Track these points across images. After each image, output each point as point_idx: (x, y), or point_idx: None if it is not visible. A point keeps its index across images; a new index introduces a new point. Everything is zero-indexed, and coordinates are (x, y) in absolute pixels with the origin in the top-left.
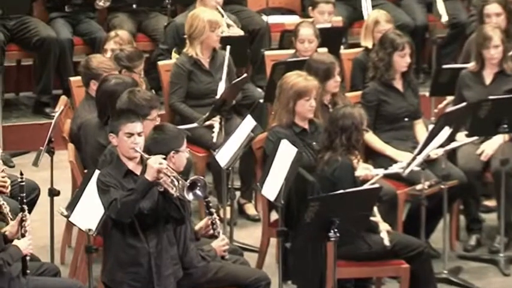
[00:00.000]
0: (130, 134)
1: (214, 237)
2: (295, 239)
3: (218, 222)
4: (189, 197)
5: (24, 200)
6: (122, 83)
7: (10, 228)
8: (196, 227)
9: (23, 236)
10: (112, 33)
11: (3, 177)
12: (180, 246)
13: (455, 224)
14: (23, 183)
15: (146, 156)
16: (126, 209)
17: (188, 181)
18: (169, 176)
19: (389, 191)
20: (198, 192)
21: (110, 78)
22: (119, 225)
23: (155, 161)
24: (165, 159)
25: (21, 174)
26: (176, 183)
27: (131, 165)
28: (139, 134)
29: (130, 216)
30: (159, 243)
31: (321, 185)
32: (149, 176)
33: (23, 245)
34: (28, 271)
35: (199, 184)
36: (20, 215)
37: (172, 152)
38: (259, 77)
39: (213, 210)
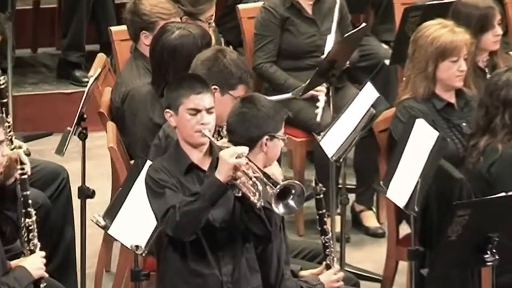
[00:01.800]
0: (196, 111)
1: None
2: (436, 263)
3: (332, 245)
4: (279, 209)
5: (29, 201)
6: (189, 36)
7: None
8: (304, 272)
9: (31, 252)
10: None
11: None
12: (271, 271)
13: None
14: (25, 176)
15: (218, 143)
16: (188, 222)
17: (278, 187)
18: (250, 178)
19: None
20: (292, 203)
21: (172, 28)
22: (178, 243)
23: (231, 153)
24: (254, 146)
25: (22, 163)
26: (260, 187)
27: (196, 156)
28: (208, 111)
29: (194, 232)
30: (236, 270)
31: (473, 184)
32: (222, 174)
33: (33, 264)
34: None
35: (293, 191)
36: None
37: (266, 137)
38: (385, 27)
39: (327, 228)
